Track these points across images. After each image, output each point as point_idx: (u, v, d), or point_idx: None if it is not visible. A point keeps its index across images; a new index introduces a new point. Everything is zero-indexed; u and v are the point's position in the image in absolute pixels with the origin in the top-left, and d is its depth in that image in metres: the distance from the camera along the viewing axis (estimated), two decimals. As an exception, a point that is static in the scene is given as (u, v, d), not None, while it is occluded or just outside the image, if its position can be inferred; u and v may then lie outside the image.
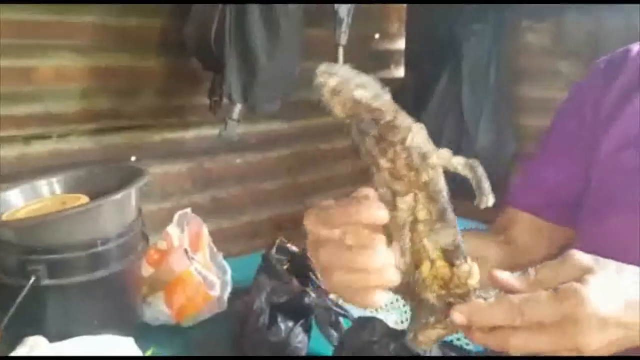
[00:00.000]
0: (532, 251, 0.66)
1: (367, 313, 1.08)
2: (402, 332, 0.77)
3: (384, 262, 0.37)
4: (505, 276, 0.40)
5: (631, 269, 0.41)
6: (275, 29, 1.19)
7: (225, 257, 1.15)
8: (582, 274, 0.38)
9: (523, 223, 0.67)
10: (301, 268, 1.04)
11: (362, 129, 0.38)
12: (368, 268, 0.37)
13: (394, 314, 1.36)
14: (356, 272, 0.37)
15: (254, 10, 1.18)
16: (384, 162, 0.38)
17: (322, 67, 0.38)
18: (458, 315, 0.38)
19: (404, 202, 0.38)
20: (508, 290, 0.40)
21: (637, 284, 0.39)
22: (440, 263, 0.39)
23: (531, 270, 0.40)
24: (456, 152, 1.17)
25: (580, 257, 0.40)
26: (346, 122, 0.38)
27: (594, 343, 0.37)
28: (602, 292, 0.37)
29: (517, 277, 0.40)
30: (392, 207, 0.38)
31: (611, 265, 0.40)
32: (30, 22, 1.14)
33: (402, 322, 1.27)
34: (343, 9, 1.46)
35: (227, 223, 1.59)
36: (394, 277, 0.38)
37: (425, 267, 0.39)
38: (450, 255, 0.39)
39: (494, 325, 0.38)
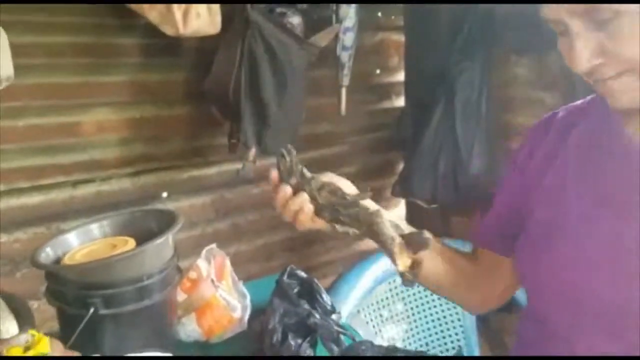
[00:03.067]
0: (494, 278, 0.81)
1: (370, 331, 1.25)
2: (393, 349, 0.94)
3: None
4: None
5: None
6: (283, 83, 1.37)
7: (244, 280, 1.33)
8: None
9: (486, 256, 0.81)
10: (309, 292, 1.22)
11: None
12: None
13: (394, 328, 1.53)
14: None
15: (265, 67, 1.36)
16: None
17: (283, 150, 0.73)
18: None
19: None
20: None
21: None
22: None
23: None
24: (452, 176, 1.46)
25: None
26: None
27: None
28: None
29: None
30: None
31: None
32: (70, 84, 1.33)
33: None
34: (344, 55, 1.64)
35: (245, 246, 1.77)
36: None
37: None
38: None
39: None
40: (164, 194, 1.50)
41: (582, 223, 0.68)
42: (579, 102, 0.76)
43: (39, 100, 1.27)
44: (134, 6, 1.27)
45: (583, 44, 0.60)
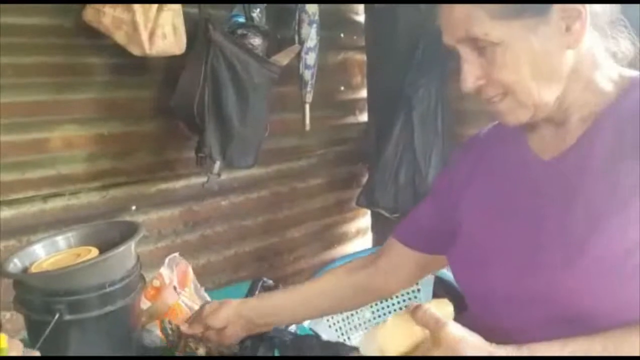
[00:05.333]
0: (394, 273, 0.90)
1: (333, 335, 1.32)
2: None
3: None
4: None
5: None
6: (245, 100, 1.45)
7: (212, 289, 1.38)
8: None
9: (395, 250, 0.90)
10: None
11: None
12: None
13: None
14: None
15: (228, 85, 1.44)
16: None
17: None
18: None
19: None
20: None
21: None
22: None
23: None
24: (411, 186, 1.57)
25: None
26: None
27: None
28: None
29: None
30: None
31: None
32: (40, 102, 1.37)
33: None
34: (307, 73, 1.72)
35: (214, 257, 1.82)
36: None
37: None
38: None
39: None
40: (133, 207, 1.55)
41: (501, 233, 0.75)
42: None
43: (10, 118, 1.32)
44: (102, 27, 1.33)
45: (469, 68, 0.68)
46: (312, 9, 1.68)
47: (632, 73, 0.72)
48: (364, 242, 2.27)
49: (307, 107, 1.76)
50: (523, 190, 0.74)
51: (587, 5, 0.67)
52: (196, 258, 1.75)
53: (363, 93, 2.17)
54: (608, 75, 0.71)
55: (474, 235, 0.79)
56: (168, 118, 1.56)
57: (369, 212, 2.21)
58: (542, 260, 0.69)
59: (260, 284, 1.29)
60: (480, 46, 0.67)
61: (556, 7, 0.65)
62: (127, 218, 1.55)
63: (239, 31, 1.47)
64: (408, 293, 1.64)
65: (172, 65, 1.49)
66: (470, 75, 0.68)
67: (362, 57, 2.14)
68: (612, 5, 0.71)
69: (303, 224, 2.04)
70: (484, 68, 0.67)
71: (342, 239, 2.20)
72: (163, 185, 1.63)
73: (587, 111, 0.70)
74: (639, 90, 0.69)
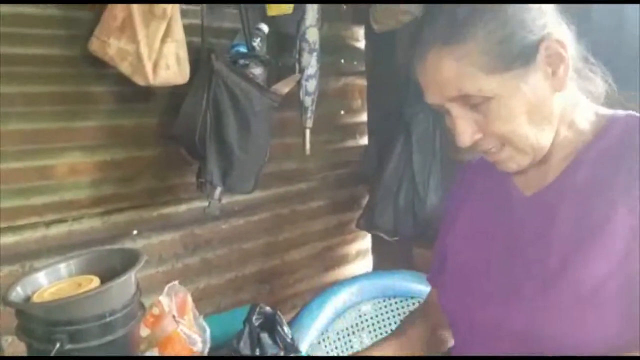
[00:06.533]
0: (444, 321, 0.88)
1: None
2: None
3: None
4: None
5: None
6: (246, 128, 1.48)
7: (212, 313, 1.39)
8: None
9: (432, 295, 0.91)
10: (271, 324, 1.31)
11: None
12: None
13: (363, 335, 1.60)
14: None
15: (229, 113, 1.47)
16: None
17: None
18: None
19: None
20: None
21: None
22: None
23: None
24: (411, 209, 1.56)
25: None
26: None
27: None
28: None
29: None
30: None
31: None
32: (46, 129, 1.40)
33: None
34: (307, 100, 1.75)
35: (216, 280, 1.83)
36: None
37: None
38: None
39: None
40: (135, 232, 1.58)
41: (484, 265, 0.78)
42: None
43: (17, 146, 1.35)
44: (107, 57, 1.37)
45: (463, 124, 0.70)
46: (313, 37, 1.72)
47: (608, 111, 0.76)
48: (365, 264, 2.28)
49: (308, 132, 1.78)
50: (505, 224, 0.77)
51: (569, 49, 0.70)
52: (197, 281, 1.77)
53: (363, 117, 2.20)
54: (586, 115, 0.75)
55: (459, 266, 0.83)
56: (171, 144, 1.59)
57: (369, 234, 2.22)
58: (519, 292, 0.72)
59: (257, 309, 1.32)
60: (472, 102, 0.69)
61: (542, 54, 0.69)
62: (129, 242, 1.58)
63: (241, 61, 1.51)
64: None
65: (175, 93, 1.53)
66: (467, 131, 0.70)
67: (362, 81, 2.17)
68: (581, 45, 0.74)
69: (304, 246, 2.06)
70: (478, 123, 0.70)
71: (343, 261, 2.22)
72: (164, 210, 1.66)
73: (568, 150, 0.74)
74: (615, 128, 0.73)
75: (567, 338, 0.67)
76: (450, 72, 0.67)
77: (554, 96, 0.71)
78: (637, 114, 0.74)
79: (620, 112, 0.75)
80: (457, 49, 0.67)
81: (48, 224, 1.42)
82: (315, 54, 1.72)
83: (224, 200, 1.70)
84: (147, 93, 1.49)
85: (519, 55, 0.67)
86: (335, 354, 1.59)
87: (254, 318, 1.29)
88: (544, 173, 0.75)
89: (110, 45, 1.35)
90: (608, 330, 0.65)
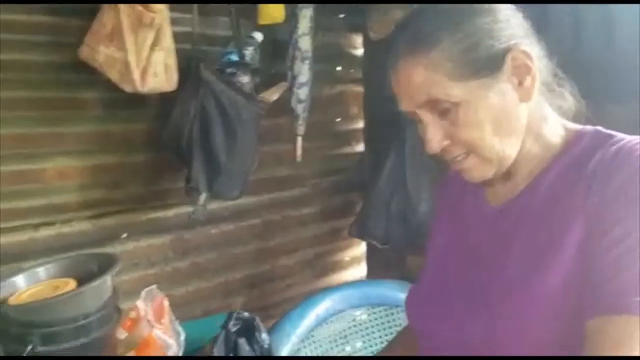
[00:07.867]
0: None
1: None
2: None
3: None
4: None
5: None
6: (233, 135, 1.50)
7: (200, 316, 1.40)
8: None
9: None
10: (249, 329, 1.33)
11: None
12: None
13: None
14: None
15: (217, 121, 1.49)
16: None
17: None
18: None
19: None
20: None
21: None
22: None
23: None
24: (402, 217, 1.56)
25: None
26: None
27: None
28: None
29: None
30: None
31: None
32: (35, 134, 1.43)
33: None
34: (299, 107, 1.77)
35: (205, 284, 1.85)
36: None
37: None
38: None
39: None
40: (124, 235, 1.60)
41: (452, 275, 0.78)
42: None
43: (7, 150, 1.39)
44: (96, 64, 1.40)
45: (432, 130, 0.71)
46: (305, 45, 1.73)
47: (576, 126, 0.77)
48: (359, 271, 2.28)
49: (299, 139, 1.79)
50: (473, 236, 0.79)
51: (537, 62, 0.71)
52: (186, 285, 1.79)
53: (359, 124, 2.21)
54: (554, 129, 0.76)
55: (426, 277, 0.83)
56: (159, 149, 1.62)
57: (363, 242, 2.22)
58: (479, 301, 0.73)
59: (234, 315, 1.33)
60: (441, 108, 0.70)
61: (508, 64, 0.70)
62: (118, 246, 1.60)
63: (229, 70, 1.52)
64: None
65: (164, 100, 1.55)
66: (435, 137, 0.71)
67: (358, 89, 2.18)
68: (550, 61, 0.75)
69: (296, 252, 2.06)
70: (446, 129, 0.71)
71: (336, 267, 2.22)
72: (153, 214, 1.68)
73: (535, 163, 0.75)
74: (582, 142, 0.73)
75: (528, 345, 0.67)
76: (419, 79, 0.69)
77: (520, 107, 0.72)
78: (604, 130, 0.75)
79: (588, 127, 0.75)
80: (424, 57, 0.69)
81: (36, 227, 1.45)
82: (307, 62, 1.73)
83: (214, 206, 1.72)
84: (137, 99, 1.51)
85: (485, 64, 0.69)
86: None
87: (231, 324, 1.30)
88: (512, 186, 0.76)
89: (99, 52, 1.38)
90: (569, 340, 0.65)
